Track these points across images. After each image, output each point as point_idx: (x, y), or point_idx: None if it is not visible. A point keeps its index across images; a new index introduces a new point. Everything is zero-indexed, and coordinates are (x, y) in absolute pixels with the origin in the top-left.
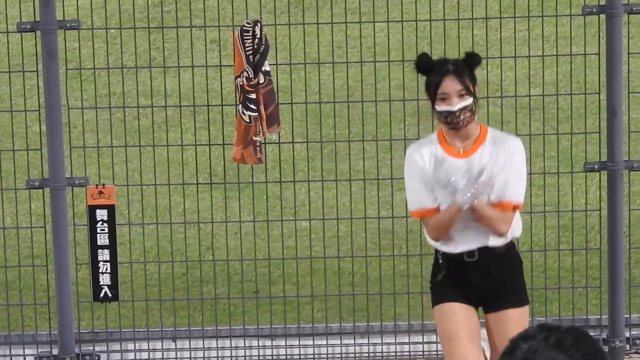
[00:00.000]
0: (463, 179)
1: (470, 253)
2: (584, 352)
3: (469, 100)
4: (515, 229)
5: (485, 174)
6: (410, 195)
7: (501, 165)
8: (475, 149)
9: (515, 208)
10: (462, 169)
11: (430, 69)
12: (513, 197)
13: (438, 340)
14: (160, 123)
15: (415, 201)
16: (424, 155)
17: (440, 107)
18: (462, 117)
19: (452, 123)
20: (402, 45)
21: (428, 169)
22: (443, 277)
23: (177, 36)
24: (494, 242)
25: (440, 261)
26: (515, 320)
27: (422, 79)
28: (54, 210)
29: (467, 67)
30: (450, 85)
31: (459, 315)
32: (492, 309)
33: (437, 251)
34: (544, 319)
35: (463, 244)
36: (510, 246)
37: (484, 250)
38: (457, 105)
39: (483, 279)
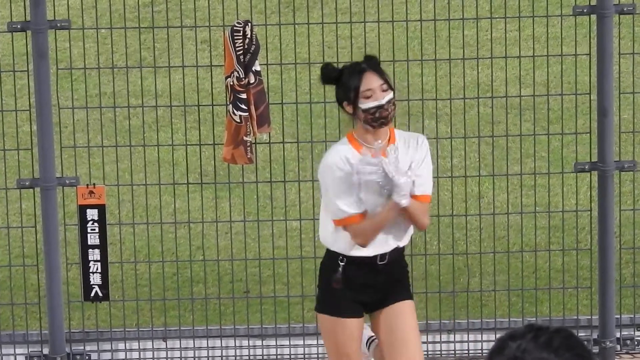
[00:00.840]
0: (400, 176)
1: (382, 256)
2: (574, 352)
3: (391, 94)
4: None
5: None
6: (336, 203)
7: (418, 161)
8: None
9: (429, 200)
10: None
11: (339, 76)
12: (429, 191)
13: (433, 336)
14: (151, 123)
15: (342, 209)
16: (346, 160)
17: (368, 104)
18: (389, 110)
19: (382, 117)
20: (393, 45)
21: (352, 173)
22: (340, 282)
23: (168, 36)
24: (404, 242)
25: (342, 265)
26: (412, 311)
27: (413, 79)
28: (45, 209)
29: (377, 64)
30: (372, 80)
31: (354, 332)
32: (388, 304)
33: (336, 255)
34: (534, 319)
35: (378, 246)
36: (404, 249)
37: (393, 252)
38: (384, 98)
39: (387, 280)
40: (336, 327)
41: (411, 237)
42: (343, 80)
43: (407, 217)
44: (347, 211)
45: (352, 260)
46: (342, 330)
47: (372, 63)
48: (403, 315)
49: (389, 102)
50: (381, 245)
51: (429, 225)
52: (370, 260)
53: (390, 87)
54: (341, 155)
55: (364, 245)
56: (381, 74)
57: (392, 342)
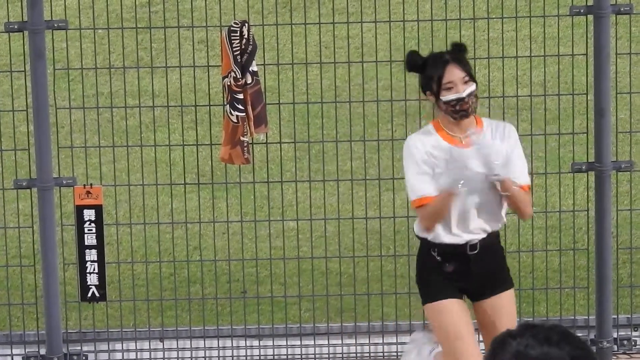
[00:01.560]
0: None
1: (472, 245)
2: (573, 345)
3: (473, 86)
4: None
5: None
6: (413, 184)
7: (510, 151)
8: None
9: (529, 188)
10: (471, 157)
11: (423, 65)
12: (527, 180)
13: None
14: (148, 123)
15: (418, 189)
16: (426, 143)
17: (448, 96)
18: (470, 102)
19: (462, 110)
20: (390, 45)
21: (434, 157)
22: (439, 272)
23: (165, 36)
24: (494, 228)
25: (438, 257)
26: (513, 301)
27: (410, 79)
28: (42, 210)
29: (461, 54)
30: (454, 73)
31: (459, 313)
32: (487, 295)
33: (428, 246)
34: (532, 319)
35: (465, 234)
36: (498, 232)
37: (483, 241)
38: (465, 91)
39: (482, 269)
40: (441, 311)
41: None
42: (427, 70)
43: (513, 206)
44: (423, 192)
45: (444, 251)
46: (444, 314)
47: (456, 54)
48: (501, 310)
49: (469, 94)
50: (467, 233)
51: (532, 213)
52: (461, 250)
53: (473, 79)
54: (422, 140)
55: (428, 229)
56: (464, 65)
57: (490, 338)
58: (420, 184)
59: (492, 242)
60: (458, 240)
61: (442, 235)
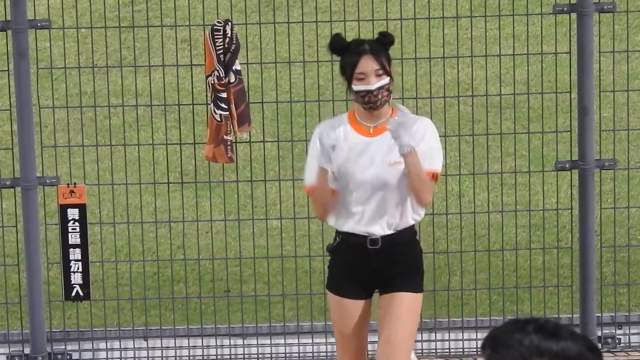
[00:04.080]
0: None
1: (373, 240)
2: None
3: (386, 80)
4: (421, 211)
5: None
6: (306, 172)
7: (417, 140)
8: (385, 128)
9: (434, 177)
10: (369, 146)
11: (346, 50)
12: (432, 167)
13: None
14: (131, 122)
15: (307, 177)
16: (331, 136)
17: (358, 86)
18: (380, 96)
19: (370, 102)
20: None
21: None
22: (340, 263)
23: (148, 35)
24: (400, 227)
25: (337, 241)
26: (406, 304)
27: (395, 78)
28: (25, 209)
29: (382, 47)
30: (368, 64)
31: (350, 313)
32: (386, 291)
33: (336, 233)
34: (515, 318)
35: (362, 230)
36: (414, 233)
37: (387, 238)
38: (375, 84)
39: (385, 265)
40: (335, 305)
41: (415, 228)
42: (344, 56)
43: (410, 187)
44: (311, 180)
45: (345, 239)
46: (338, 308)
47: (375, 45)
48: (390, 309)
49: (380, 88)
50: (369, 227)
51: (429, 202)
52: (360, 242)
53: (387, 73)
54: (330, 130)
55: (320, 217)
56: (380, 58)
57: (381, 334)
58: (309, 173)
59: (402, 239)
60: (357, 232)
61: (346, 225)
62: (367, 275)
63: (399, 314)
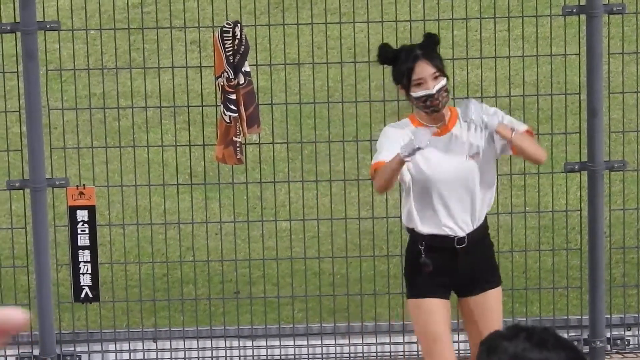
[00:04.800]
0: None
1: (460, 239)
2: (568, 349)
3: (443, 81)
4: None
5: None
6: (377, 154)
7: (491, 113)
8: (452, 124)
9: (532, 134)
10: (444, 144)
11: (395, 58)
12: (523, 126)
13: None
14: (141, 124)
15: (377, 157)
16: (403, 133)
17: (418, 92)
18: (440, 98)
19: (432, 106)
20: None
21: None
22: (429, 265)
23: (157, 37)
24: (480, 220)
25: (423, 252)
26: (499, 300)
27: None
28: (35, 211)
29: (432, 49)
30: (424, 69)
31: (440, 314)
32: (474, 292)
33: (416, 238)
34: (525, 319)
35: (453, 227)
36: (487, 226)
37: (471, 235)
38: (434, 87)
39: (470, 264)
40: (420, 309)
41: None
42: (398, 64)
43: (521, 154)
44: (380, 158)
45: (432, 245)
46: (425, 313)
47: (427, 48)
48: (487, 308)
49: (439, 90)
50: (453, 225)
51: (546, 157)
52: (449, 244)
53: (443, 74)
54: (397, 129)
55: (379, 191)
56: (434, 60)
57: (475, 336)
58: (381, 153)
59: (480, 235)
60: (446, 232)
61: (430, 227)
62: (453, 276)
63: (496, 311)
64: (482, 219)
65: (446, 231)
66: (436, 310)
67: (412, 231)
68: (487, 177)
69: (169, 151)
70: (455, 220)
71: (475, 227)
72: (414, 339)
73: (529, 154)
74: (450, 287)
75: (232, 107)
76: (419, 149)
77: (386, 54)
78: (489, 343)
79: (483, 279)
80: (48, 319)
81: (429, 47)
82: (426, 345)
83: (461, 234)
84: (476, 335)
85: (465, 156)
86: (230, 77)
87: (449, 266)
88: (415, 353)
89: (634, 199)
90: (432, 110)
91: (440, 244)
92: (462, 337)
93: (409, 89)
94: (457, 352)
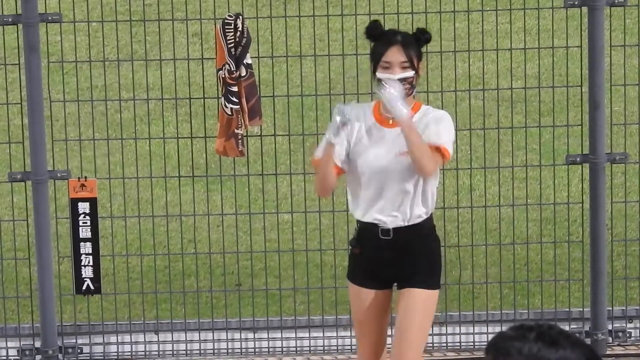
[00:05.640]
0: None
1: (385, 231)
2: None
3: (409, 73)
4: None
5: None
6: (319, 146)
7: (428, 120)
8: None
9: (442, 153)
10: (385, 136)
11: (380, 37)
12: (440, 142)
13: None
14: (142, 116)
15: (318, 151)
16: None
17: (382, 74)
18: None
19: None
20: None
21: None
22: (357, 247)
23: (159, 29)
24: (412, 220)
25: (356, 231)
26: (420, 301)
27: None
28: (36, 203)
29: (415, 41)
30: (395, 54)
31: (366, 302)
32: (401, 286)
33: (356, 222)
34: (527, 311)
35: (373, 218)
36: (429, 226)
37: (399, 230)
38: (398, 74)
39: (399, 258)
40: (351, 293)
41: (432, 220)
42: (377, 43)
43: (411, 156)
44: (317, 154)
45: (362, 229)
46: (355, 297)
47: (407, 38)
48: (409, 304)
49: (402, 79)
50: (380, 216)
51: (432, 172)
52: (374, 232)
53: (413, 67)
54: (347, 108)
55: (319, 194)
56: (409, 51)
57: (396, 329)
58: (321, 146)
59: (415, 234)
60: (369, 221)
61: (359, 213)
62: (382, 267)
63: (414, 309)
64: (420, 218)
65: (371, 221)
66: (362, 298)
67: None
68: (424, 179)
69: (171, 143)
70: (382, 213)
71: (407, 224)
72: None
73: (415, 154)
74: (387, 278)
75: (234, 99)
76: (343, 124)
77: (373, 31)
78: (497, 346)
79: (417, 277)
80: (50, 311)
81: (412, 38)
82: (354, 326)
83: (385, 226)
84: (396, 329)
85: (395, 152)
86: (232, 69)
87: (375, 256)
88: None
89: (635, 192)
90: None
91: (366, 232)
92: (450, 329)
93: (375, 69)
94: (459, 343)
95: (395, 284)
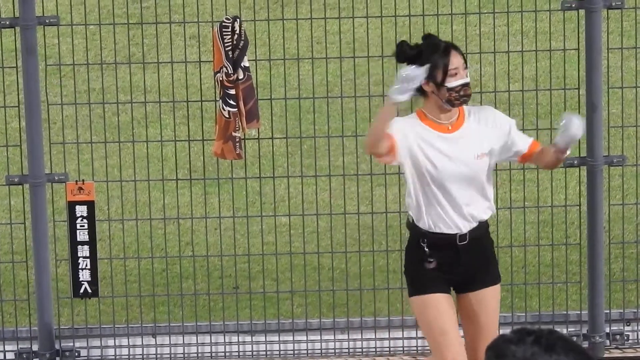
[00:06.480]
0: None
1: (462, 236)
2: (577, 352)
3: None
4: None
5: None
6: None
7: (503, 130)
8: (461, 122)
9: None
10: (454, 141)
11: (418, 54)
12: (531, 139)
13: (420, 332)
14: (140, 119)
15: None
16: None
17: (454, 82)
18: (469, 88)
19: (466, 95)
20: (382, 40)
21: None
22: (434, 262)
23: (157, 32)
24: (483, 217)
25: (426, 249)
26: (497, 296)
27: None
28: (34, 206)
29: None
30: (457, 59)
31: (444, 308)
32: (473, 289)
33: (418, 236)
34: (524, 314)
35: (453, 226)
36: (488, 223)
37: (473, 231)
38: (468, 76)
39: (471, 261)
40: (425, 305)
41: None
42: (425, 59)
43: (545, 162)
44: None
45: (434, 242)
46: (430, 308)
47: (451, 43)
48: (484, 305)
49: (465, 84)
50: (457, 222)
51: (564, 158)
52: (450, 241)
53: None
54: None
55: (369, 151)
56: (461, 51)
57: (472, 332)
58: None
59: (481, 233)
60: (447, 230)
61: (434, 223)
62: (454, 273)
63: (493, 307)
64: (483, 217)
65: (451, 228)
66: (438, 304)
67: (414, 227)
68: (490, 176)
69: (168, 146)
70: (460, 218)
71: (476, 225)
72: (413, 334)
73: (546, 162)
74: (451, 283)
75: (231, 102)
76: (413, 87)
77: (407, 51)
78: (496, 348)
79: (482, 275)
80: (47, 314)
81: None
82: (434, 339)
83: (464, 231)
84: (472, 331)
85: (474, 155)
86: (230, 72)
87: (451, 263)
88: (414, 349)
89: (633, 194)
90: (463, 101)
91: (443, 241)
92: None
93: (443, 81)
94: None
95: (452, 286)
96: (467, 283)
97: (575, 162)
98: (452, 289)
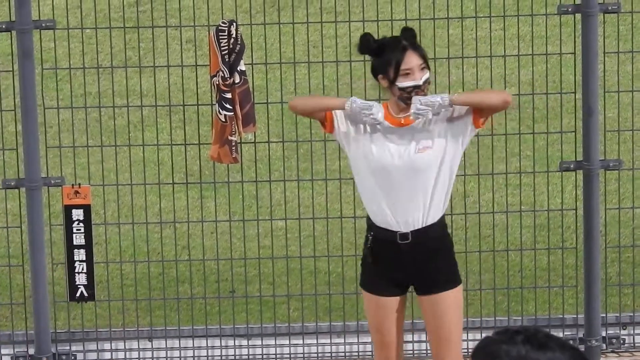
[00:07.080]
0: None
1: (403, 235)
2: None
3: (428, 73)
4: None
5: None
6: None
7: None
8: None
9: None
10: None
11: (379, 49)
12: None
13: (416, 336)
14: (136, 123)
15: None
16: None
17: (405, 82)
18: (424, 89)
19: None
20: None
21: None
22: (370, 256)
23: (153, 36)
24: (430, 220)
25: (370, 243)
26: (453, 302)
27: None
28: (30, 210)
29: (415, 40)
30: (412, 60)
31: (389, 310)
32: (430, 292)
33: (369, 228)
34: (520, 318)
35: (393, 222)
36: (443, 225)
37: (417, 232)
38: (421, 79)
39: (419, 262)
40: (367, 299)
41: (444, 219)
42: (384, 55)
43: (480, 107)
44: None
45: (378, 236)
46: (371, 302)
47: (412, 40)
48: (440, 310)
49: (425, 81)
50: (400, 221)
51: (506, 99)
52: (392, 238)
53: (428, 66)
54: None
55: (292, 106)
56: (420, 51)
57: (430, 335)
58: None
59: (433, 235)
60: (386, 226)
61: (376, 218)
62: (400, 272)
63: (453, 310)
64: (437, 218)
65: (390, 225)
66: (377, 304)
67: (368, 218)
68: (443, 176)
69: (165, 150)
70: (401, 215)
71: (425, 225)
72: (409, 337)
73: (478, 102)
74: (403, 282)
75: (228, 106)
76: (375, 120)
77: (370, 44)
78: (486, 350)
79: (440, 278)
80: (43, 318)
81: (413, 38)
82: (372, 335)
83: (404, 230)
84: (432, 333)
85: (415, 149)
86: (226, 76)
87: (393, 261)
88: (410, 352)
89: (629, 198)
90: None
91: (384, 237)
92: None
93: (395, 79)
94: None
95: (413, 287)
96: (424, 285)
97: (572, 166)
98: (409, 287)
